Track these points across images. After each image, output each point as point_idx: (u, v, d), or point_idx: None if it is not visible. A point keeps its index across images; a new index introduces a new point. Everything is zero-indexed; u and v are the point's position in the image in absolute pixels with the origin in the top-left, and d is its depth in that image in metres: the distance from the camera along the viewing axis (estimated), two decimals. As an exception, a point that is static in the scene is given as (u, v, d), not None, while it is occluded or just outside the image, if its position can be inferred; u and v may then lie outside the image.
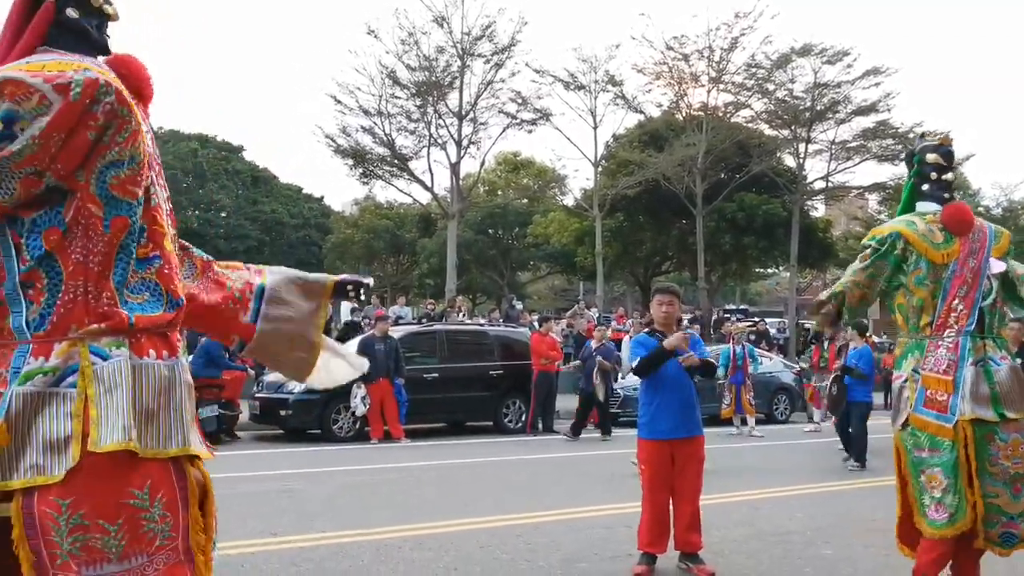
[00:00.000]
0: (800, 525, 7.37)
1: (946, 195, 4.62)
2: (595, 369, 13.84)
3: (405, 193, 34.79)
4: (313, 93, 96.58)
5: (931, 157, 4.61)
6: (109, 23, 2.39)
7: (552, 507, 7.96)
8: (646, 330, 6.34)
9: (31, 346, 2.13)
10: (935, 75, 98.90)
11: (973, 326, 4.36)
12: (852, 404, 11.35)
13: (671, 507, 5.69)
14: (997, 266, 4.49)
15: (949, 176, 4.68)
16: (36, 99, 2.05)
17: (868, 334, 12.86)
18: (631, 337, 19.43)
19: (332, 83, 36.75)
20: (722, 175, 33.21)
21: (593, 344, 14.41)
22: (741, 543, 6.58)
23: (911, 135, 33.45)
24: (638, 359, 5.67)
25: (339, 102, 28.85)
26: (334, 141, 29.72)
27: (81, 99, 2.09)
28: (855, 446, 11.18)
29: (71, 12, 2.29)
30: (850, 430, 11.34)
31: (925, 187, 4.65)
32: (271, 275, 2.76)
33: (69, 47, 2.27)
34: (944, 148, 4.67)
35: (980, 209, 46.94)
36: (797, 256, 33.90)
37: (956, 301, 4.40)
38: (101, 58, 2.35)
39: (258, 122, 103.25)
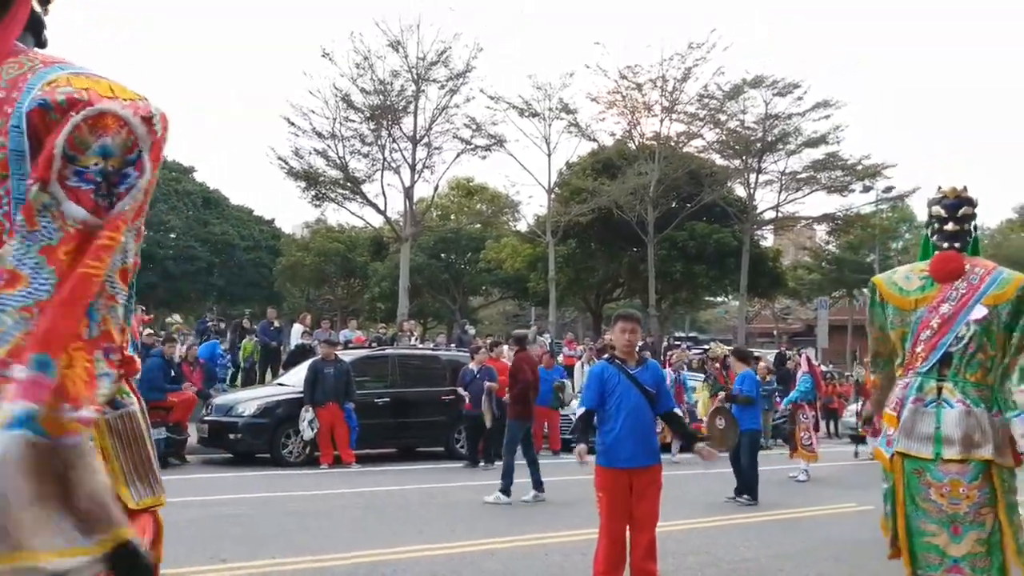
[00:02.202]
0: (755, 552, 7.37)
1: (945, 244, 4.79)
2: (483, 394, 13.59)
3: (357, 216, 34.54)
4: (266, 115, 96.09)
5: (935, 209, 4.86)
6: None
7: (506, 534, 7.87)
8: (606, 356, 6.32)
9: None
10: (884, 109, 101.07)
11: (927, 368, 4.55)
12: (741, 433, 10.75)
13: (628, 535, 5.65)
14: (978, 312, 4.59)
15: (949, 227, 4.84)
16: (125, 133, 1.72)
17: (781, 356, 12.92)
18: (585, 364, 19.56)
19: (286, 105, 36.55)
20: (674, 204, 33.61)
21: (474, 368, 13.94)
22: (696, 571, 6.56)
23: (859, 167, 34.27)
24: (579, 418, 5.86)
25: (292, 124, 28.64)
26: (287, 163, 29.45)
27: (163, 134, 1.80)
28: (745, 478, 10.58)
29: (36, 6, 1.96)
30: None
31: (933, 237, 4.88)
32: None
33: (23, 40, 1.91)
34: (947, 200, 4.88)
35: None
36: (747, 285, 34.35)
37: (920, 345, 4.61)
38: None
39: (209, 143, 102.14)
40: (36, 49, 1.88)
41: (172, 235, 45.85)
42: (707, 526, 8.67)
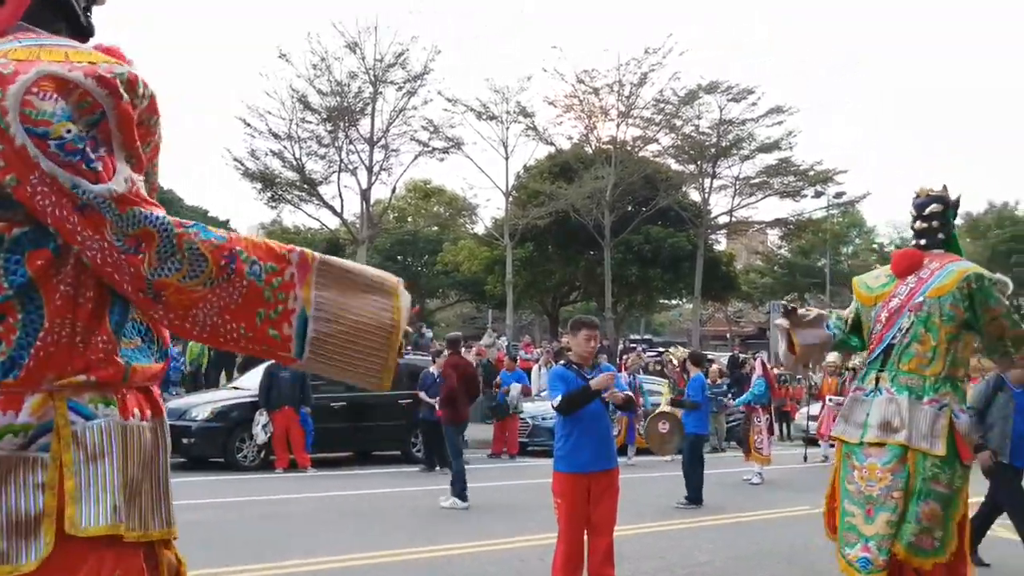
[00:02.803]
0: (709, 556, 7.46)
1: (913, 241, 5.05)
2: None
3: (314, 218, 34.29)
4: (221, 115, 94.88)
5: (910, 210, 5.09)
6: (95, 6, 1.95)
7: (464, 539, 7.87)
8: (562, 362, 6.34)
9: None
10: (835, 116, 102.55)
11: (873, 359, 4.81)
12: (685, 436, 11.00)
13: (586, 540, 5.68)
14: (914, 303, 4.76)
15: (916, 225, 5.06)
16: (76, 95, 1.61)
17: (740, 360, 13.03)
18: (542, 367, 19.60)
19: (241, 105, 36.15)
20: (630, 208, 33.83)
21: (435, 371, 13.67)
22: (652, 575, 6.61)
23: (811, 172, 34.82)
24: (561, 397, 5.65)
25: (248, 125, 28.37)
26: (242, 164, 29.15)
27: (132, 99, 1.68)
28: (687, 481, 10.66)
29: None
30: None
31: (911, 236, 5.13)
32: (316, 288, 1.79)
33: (47, 27, 1.79)
34: (917, 200, 5.08)
35: (875, 246, 49.09)
36: (701, 288, 34.69)
37: (873, 338, 4.86)
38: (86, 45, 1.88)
39: (163, 143, 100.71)
40: (39, 31, 1.76)
41: (123, 235, 45.08)
42: (662, 530, 8.75)
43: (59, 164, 1.56)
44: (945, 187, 5.08)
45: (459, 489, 9.86)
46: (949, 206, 4.99)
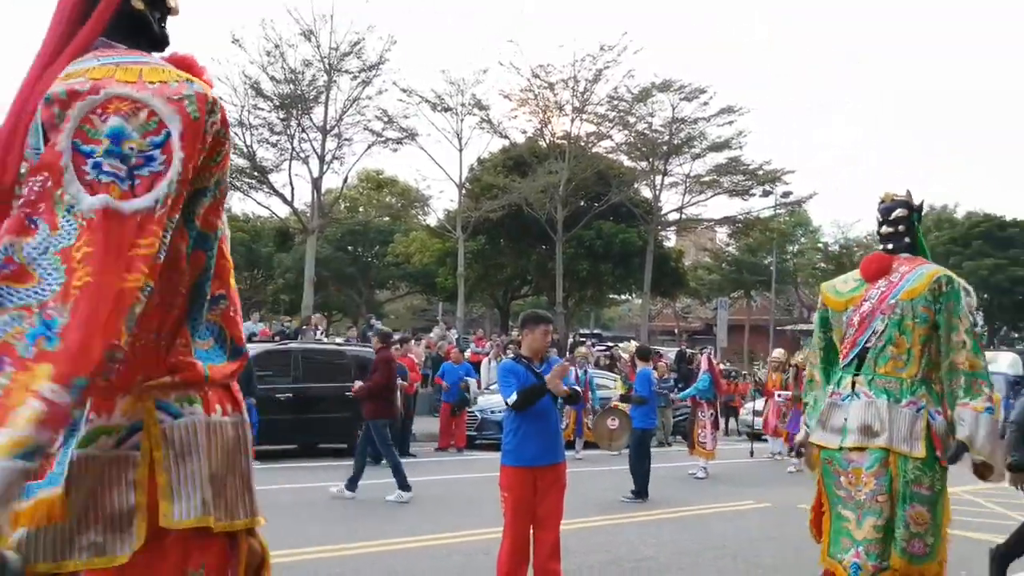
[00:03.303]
0: (655, 550, 7.49)
1: (880, 246, 5.08)
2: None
3: (263, 206, 33.87)
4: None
5: (876, 215, 5.09)
6: (169, 17, 2.00)
7: (409, 533, 7.81)
8: (512, 356, 6.31)
9: (90, 399, 1.71)
10: (784, 117, 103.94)
11: (847, 364, 4.81)
12: (633, 431, 11.11)
13: (531, 535, 5.66)
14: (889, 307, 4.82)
15: (883, 230, 5.07)
16: (144, 116, 1.66)
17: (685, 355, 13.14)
18: (492, 360, 19.58)
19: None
20: (582, 203, 33.94)
21: None
22: (598, 570, 6.62)
23: (760, 172, 35.26)
24: (517, 394, 5.61)
25: (197, 109, 27.84)
26: (190, 149, 28.61)
27: (203, 116, 1.74)
28: (633, 475, 10.75)
29: (137, 3, 1.89)
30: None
31: (878, 241, 5.15)
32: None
33: (125, 40, 1.86)
34: (882, 205, 5.09)
35: (820, 245, 49.92)
36: (650, 284, 34.96)
37: (846, 342, 4.87)
38: (158, 55, 1.93)
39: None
40: (118, 46, 1.82)
41: (66, 220, 44.10)
42: (608, 524, 8.78)
43: (82, 180, 1.58)
44: (909, 192, 5.13)
45: (400, 480, 9.79)
46: (914, 210, 5.03)
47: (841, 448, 4.64)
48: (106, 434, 1.74)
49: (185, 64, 1.90)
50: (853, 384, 4.71)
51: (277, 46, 27.44)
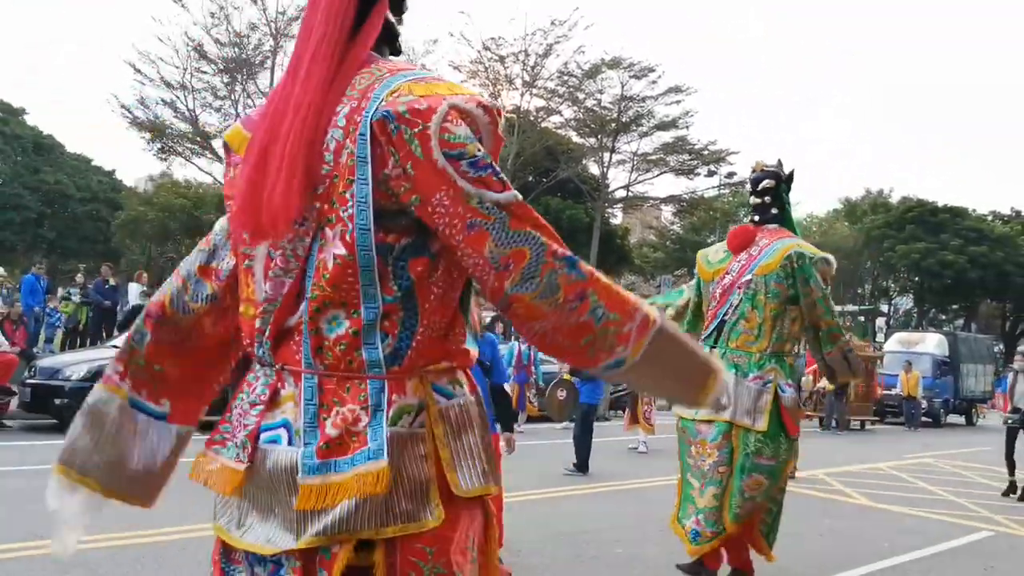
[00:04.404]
0: (595, 523, 7.61)
1: (747, 217, 5.18)
2: None
3: (206, 172, 33.20)
4: (110, 58, 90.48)
5: (747, 186, 5.22)
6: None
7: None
8: None
9: (386, 382, 1.90)
10: (730, 97, 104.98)
11: (707, 336, 4.92)
12: (579, 405, 11.29)
13: None
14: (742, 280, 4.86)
15: (751, 200, 5.14)
16: (468, 123, 1.84)
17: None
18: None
19: (131, 50, 34.53)
20: (530, 178, 33.97)
21: None
22: (536, 543, 6.70)
23: (705, 152, 35.62)
24: None
25: (138, 71, 27.19)
26: (130, 112, 27.97)
27: (497, 125, 1.93)
28: (577, 449, 10.93)
29: (391, 16, 2.04)
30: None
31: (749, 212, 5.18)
32: (644, 355, 2.00)
33: (378, 50, 2.01)
34: (752, 175, 5.13)
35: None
36: (596, 260, 35.18)
37: (708, 314, 4.96)
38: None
39: (44, 83, 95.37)
40: (388, 58, 2.02)
41: (-2, 181, 42.87)
42: (548, 497, 8.88)
43: (469, 181, 1.78)
44: (780, 162, 5.13)
45: None
46: (782, 181, 5.01)
47: (694, 419, 4.80)
48: (407, 413, 1.91)
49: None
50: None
51: (222, 8, 26.91)
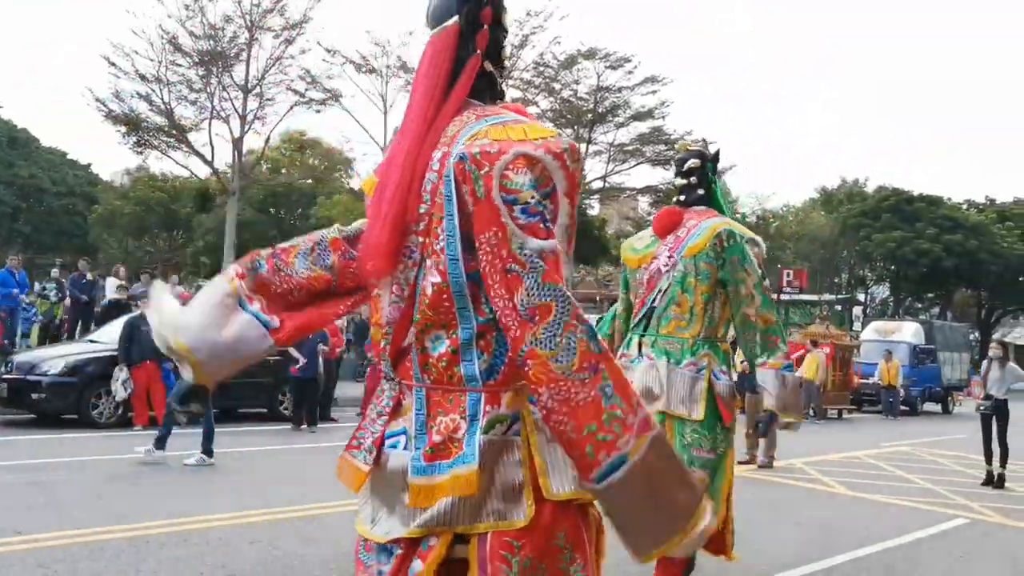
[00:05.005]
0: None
1: (674, 198, 4.93)
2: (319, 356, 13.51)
3: (182, 166, 32.91)
4: (84, 51, 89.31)
5: (673, 167, 4.98)
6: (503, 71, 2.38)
7: (328, 498, 7.82)
8: None
9: (483, 395, 2.14)
10: (716, 91, 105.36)
11: (636, 323, 4.69)
12: None
13: None
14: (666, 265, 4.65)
15: (677, 181, 4.92)
16: (538, 170, 2.02)
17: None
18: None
19: (106, 43, 34.15)
20: (507, 169, 33.94)
21: None
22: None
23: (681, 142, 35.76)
24: None
25: (113, 64, 26.89)
26: (106, 106, 27.66)
27: (576, 168, 2.10)
28: None
29: (488, 65, 2.26)
30: None
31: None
32: (646, 450, 2.12)
33: (481, 97, 2.24)
34: (678, 155, 4.97)
35: (737, 216, 50.94)
36: (573, 251, 35.24)
37: (637, 301, 4.73)
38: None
39: (18, 77, 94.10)
40: (479, 104, 2.21)
41: (-31, 175, 42.38)
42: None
43: (519, 225, 1.95)
44: (705, 141, 5.00)
45: (207, 446, 9.55)
46: (707, 160, 4.85)
47: None
48: (500, 423, 2.11)
49: (519, 111, 2.26)
50: (640, 345, 4.58)
51: (196, 0, 26.62)
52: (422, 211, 2.09)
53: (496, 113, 2.16)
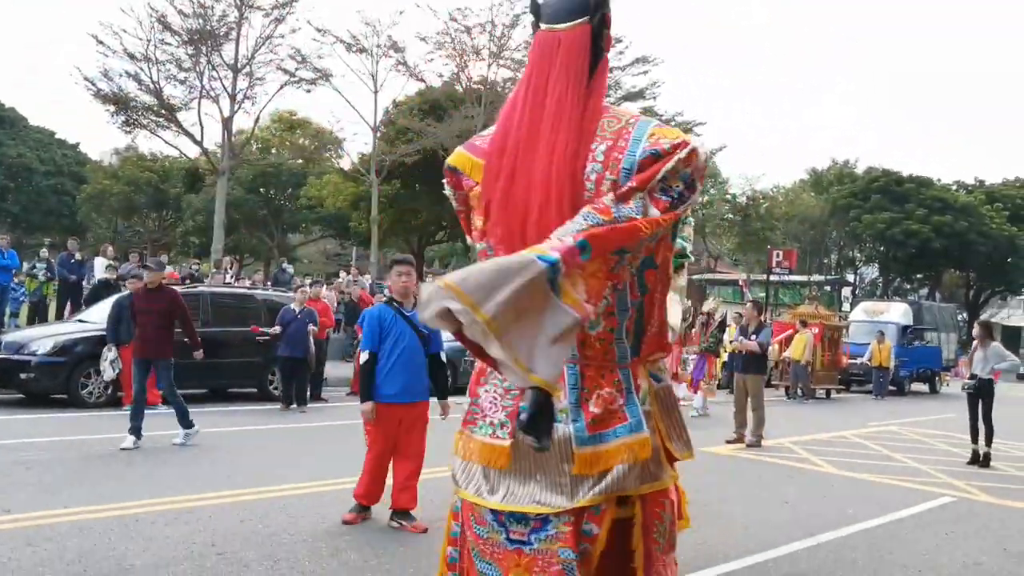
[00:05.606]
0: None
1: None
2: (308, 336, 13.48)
3: (172, 145, 32.88)
4: (72, 29, 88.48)
5: None
6: None
7: (316, 477, 7.84)
8: (384, 299, 6.49)
9: (630, 370, 2.44)
10: (695, 68, 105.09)
11: None
12: None
13: (392, 468, 6.22)
14: None
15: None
16: (693, 165, 2.42)
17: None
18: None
19: (94, 21, 33.86)
20: (499, 149, 33.81)
21: (295, 308, 13.61)
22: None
23: (672, 123, 35.69)
24: (365, 360, 6.07)
25: (101, 43, 26.64)
26: (94, 85, 27.44)
27: (705, 163, 2.45)
28: None
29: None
30: None
31: None
32: None
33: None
34: None
35: (728, 197, 50.95)
36: (560, 231, 35.25)
37: None
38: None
39: (5, 56, 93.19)
40: (612, 106, 2.55)
41: (-43, 155, 42.05)
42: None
43: (660, 199, 2.37)
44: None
45: (184, 421, 9.57)
46: None
47: None
48: (649, 395, 2.44)
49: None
50: None
51: (185, -22, 26.38)
52: (586, 198, 2.33)
53: (638, 116, 2.55)
